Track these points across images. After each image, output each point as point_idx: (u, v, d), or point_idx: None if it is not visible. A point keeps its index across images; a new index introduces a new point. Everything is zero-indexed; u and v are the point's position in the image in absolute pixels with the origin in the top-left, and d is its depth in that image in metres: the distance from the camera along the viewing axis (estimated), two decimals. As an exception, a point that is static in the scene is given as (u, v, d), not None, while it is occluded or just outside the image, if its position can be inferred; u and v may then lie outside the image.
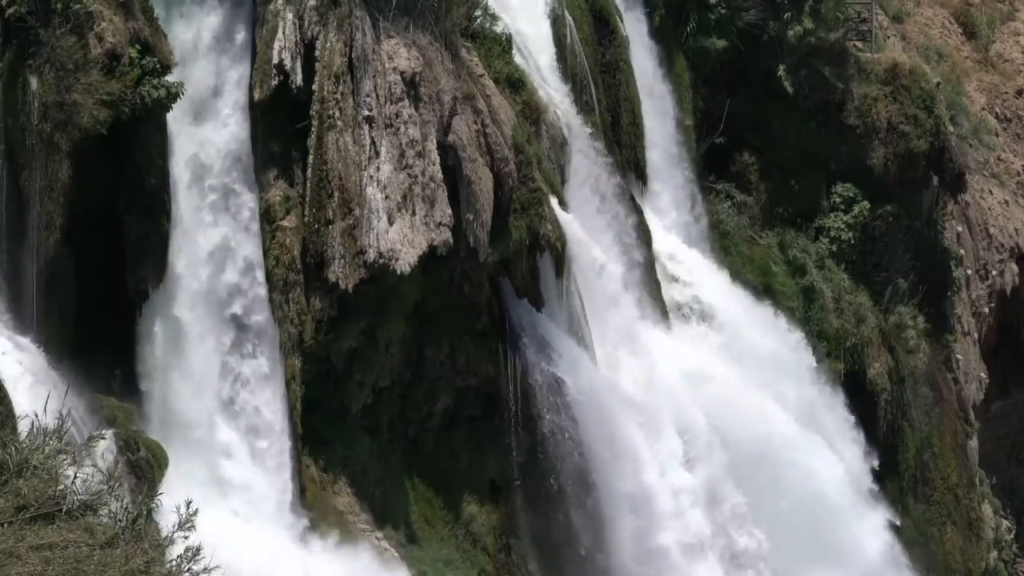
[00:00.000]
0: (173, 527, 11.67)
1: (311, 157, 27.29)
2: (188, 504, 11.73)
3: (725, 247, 38.82)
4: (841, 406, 38.41)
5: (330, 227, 27.20)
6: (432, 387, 30.04)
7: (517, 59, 32.13)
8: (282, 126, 27.50)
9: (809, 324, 39.14)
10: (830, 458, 36.34)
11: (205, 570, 11.52)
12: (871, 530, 37.25)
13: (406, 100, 28.01)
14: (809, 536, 35.01)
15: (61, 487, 12.27)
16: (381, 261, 27.11)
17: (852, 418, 38.56)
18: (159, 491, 20.12)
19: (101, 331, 24.97)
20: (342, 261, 27.15)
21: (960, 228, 44.89)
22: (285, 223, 27.25)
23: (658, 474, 32.11)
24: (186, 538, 11.64)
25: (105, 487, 12.28)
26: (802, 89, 40.45)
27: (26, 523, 11.65)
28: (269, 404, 26.90)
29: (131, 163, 24.90)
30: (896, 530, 38.44)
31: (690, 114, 38.63)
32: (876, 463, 38.69)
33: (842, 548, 36.09)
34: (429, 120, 28.26)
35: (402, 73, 28.04)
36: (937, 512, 41.92)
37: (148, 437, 24.60)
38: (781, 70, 40.16)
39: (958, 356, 44.08)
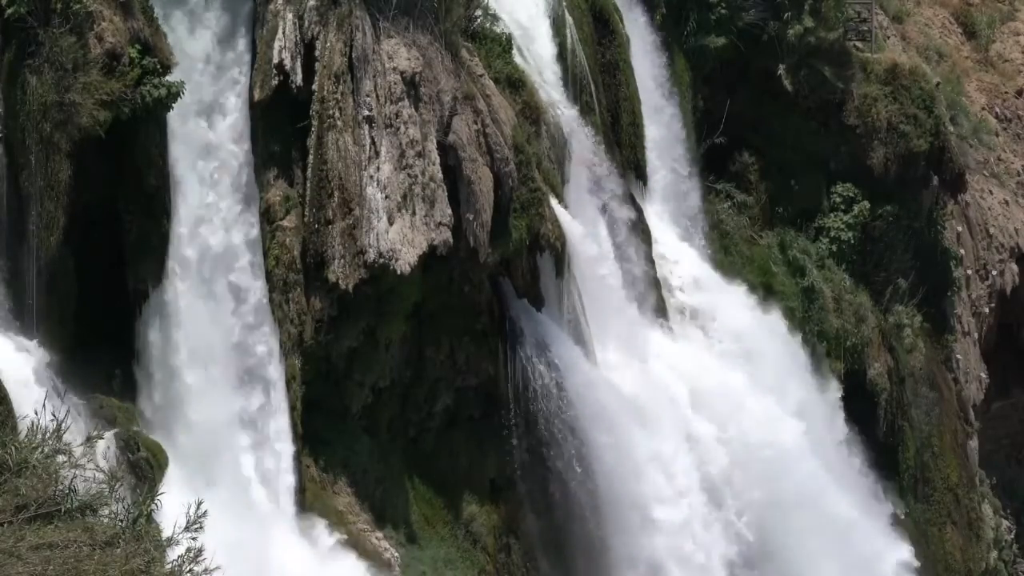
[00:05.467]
0: (177, 527, 11.62)
1: (311, 157, 27.27)
2: (198, 504, 11.69)
3: (725, 247, 38.82)
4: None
5: (330, 227, 27.18)
6: (432, 387, 30.03)
7: (517, 59, 32.12)
8: (282, 126, 27.49)
9: (809, 324, 39.13)
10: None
11: (206, 571, 11.49)
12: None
13: (406, 100, 27.99)
14: (809, 533, 35.00)
15: (60, 487, 12.25)
16: (381, 261, 27.10)
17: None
18: (159, 491, 20.11)
19: (101, 331, 24.94)
20: (342, 261, 27.13)
21: (960, 228, 44.88)
22: (285, 223, 27.23)
23: (657, 473, 32.09)
24: (194, 539, 11.60)
25: (105, 487, 12.26)
26: (802, 89, 40.45)
27: (26, 523, 11.63)
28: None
29: (131, 163, 24.88)
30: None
31: (690, 114, 38.63)
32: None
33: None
34: (429, 120, 28.24)
35: (402, 73, 28.02)
36: (937, 512, 41.91)
37: (148, 437, 24.57)
38: (781, 70, 40.17)
39: (958, 356, 44.07)
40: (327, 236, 27.17)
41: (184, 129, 25.92)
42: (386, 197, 27.39)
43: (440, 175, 28.01)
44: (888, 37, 45.17)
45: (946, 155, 41.98)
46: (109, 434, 23.25)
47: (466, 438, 30.34)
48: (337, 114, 27.30)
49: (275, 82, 26.96)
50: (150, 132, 24.89)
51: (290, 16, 27.21)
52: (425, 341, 29.79)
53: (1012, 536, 46.51)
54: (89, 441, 13.14)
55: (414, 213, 27.65)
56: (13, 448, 12.34)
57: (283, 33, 27.04)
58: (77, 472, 12.46)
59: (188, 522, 11.49)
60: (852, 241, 40.63)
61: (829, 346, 39.26)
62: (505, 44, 31.61)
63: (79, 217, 24.30)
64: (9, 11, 23.61)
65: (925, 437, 41.70)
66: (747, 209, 40.12)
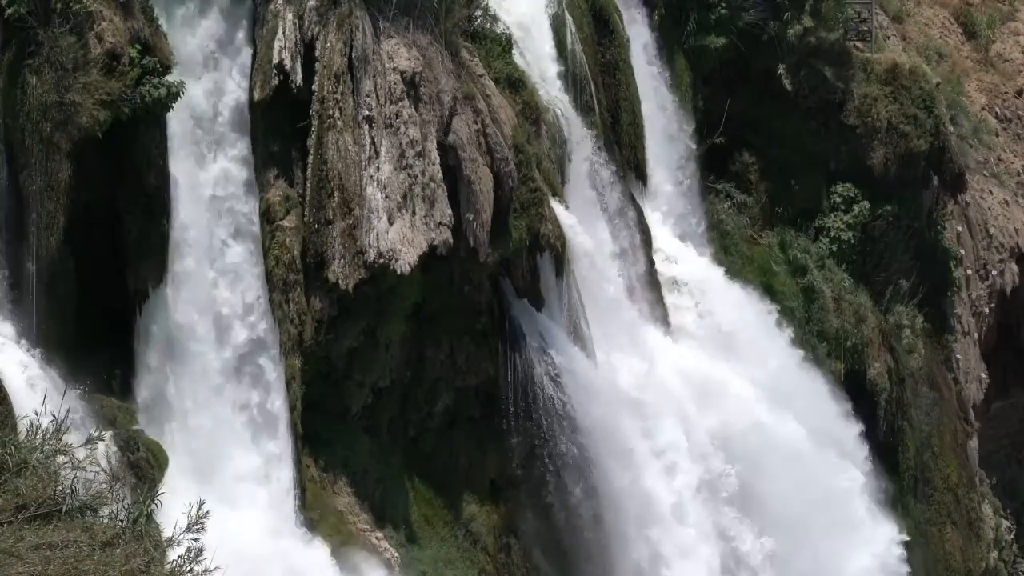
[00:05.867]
0: (178, 528, 11.60)
1: (311, 157, 27.26)
2: (200, 505, 11.67)
3: (725, 247, 38.82)
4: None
5: (330, 227, 27.18)
6: (432, 387, 30.03)
7: (517, 59, 32.12)
8: (282, 126, 27.48)
9: (809, 324, 39.14)
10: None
11: (206, 571, 11.48)
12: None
13: (406, 100, 27.98)
14: (808, 533, 34.94)
15: (60, 487, 12.24)
16: (381, 261, 27.09)
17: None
18: (159, 491, 20.11)
19: (101, 331, 24.93)
20: (342, 261, 27.12)
21: (960, 228, 44.89)
22: (285, 223, 27.22)
23: (657, 473, 32.09)
24: (196, 540, 11.59)
25: (105, 487, 12.25)
26: (802, 89, 40.47)
27: (26, 523, 11.63)
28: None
29: (131, 163, 24.87)
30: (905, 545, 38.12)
31: (690, 114, 38.63)
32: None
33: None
34: (429, 120, 28.24)
35: (402, 73, 28.02)
36: (937, 512, 41.90)
37: (148, 437, 24.57)
38: (781, 70, 40.19)
39: (958, 356, 44.07)
40: (327, 236, 27.17)
41: None
42: (386, 197, 27.39)
43: (440, 175, 28.01)
44: (888, 37, 45.17)
45: (946, 155, 42.00)
46: (109, 434, 23.24)
47: (466, 438, 30.34)
48: (337, 114, 27.29)
49: (275, 82, 26.95)
50: (150, 132, 24.89)
51: (290, 16, 27.20)
52: (425, 341, 29.79)
53: (1012, 536, 46.53)
54: (90, 442, 13.13)
55: (414, 213, 27.65)
56: (13, 448, 12.33)
57: (283, 33, 27.03)
58: (77, 473, 12.46)
59: (189, 523, 11.47)
60: (852, 241, 40.64)
61: (829, 346, 39.27)
62: (505, 44, 31.62)
63: (79, 217, 24.29)
64: (9, 11, 23.60)
65: (925, 437, 41.70)
66: (747, 209, 40.13)
